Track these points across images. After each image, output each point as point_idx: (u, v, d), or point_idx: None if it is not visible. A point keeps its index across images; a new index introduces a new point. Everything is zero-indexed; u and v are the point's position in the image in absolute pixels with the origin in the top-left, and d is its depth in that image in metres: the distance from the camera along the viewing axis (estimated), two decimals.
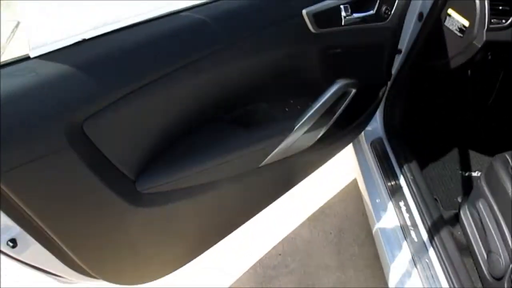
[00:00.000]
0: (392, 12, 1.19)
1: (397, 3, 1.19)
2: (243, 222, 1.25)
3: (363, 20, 1.14)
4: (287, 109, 1.15)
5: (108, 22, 0.76)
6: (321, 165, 1.42)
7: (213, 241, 1.21)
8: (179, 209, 0.99)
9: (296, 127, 1.08)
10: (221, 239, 1.22)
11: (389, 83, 1.55)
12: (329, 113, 1.17)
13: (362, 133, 1.71)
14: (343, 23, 1.10)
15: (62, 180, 0.75)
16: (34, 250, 0.82)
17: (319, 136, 1.20)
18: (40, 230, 0.79)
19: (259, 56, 1.02)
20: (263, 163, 1.10)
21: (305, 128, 1.10)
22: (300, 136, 1.11)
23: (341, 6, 1.08)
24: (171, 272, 1.16)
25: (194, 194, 0.99)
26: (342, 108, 1.18)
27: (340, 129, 1.43)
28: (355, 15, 1.11)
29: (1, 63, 0.70)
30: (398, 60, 1.48)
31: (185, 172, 0.94)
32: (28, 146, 0.68)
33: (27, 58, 0.72)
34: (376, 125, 1.71)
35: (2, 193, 0.69)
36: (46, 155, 0.70)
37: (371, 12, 1.15)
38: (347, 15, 1.09)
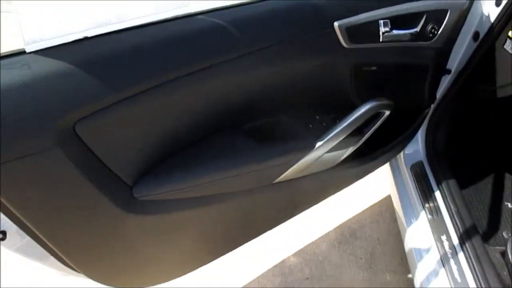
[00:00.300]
0: (440, 31, 1.08)
1: (446, 22, 1.08)
2: (251, 239, 1.19)
3: (405, 38, 1.05)
4: (311, 126, 1.07)
5: (112, 22, 0.72)
6: (348, 186, 1.33)
7: (216, 255, 1.15)
8: (179, 220, 0.94)
9: (317, 146, 1.00)
10: (225, 253, 1.16)
11: (433, 105, 1.45)
12: (357, 134, 1.08)
13: (401, 155, 1.61)
14: (381, 40, 1.01)
15: (50, 180, 0.71)
16: (25, 244, 0.79)
17: (344, 156, 1.12)
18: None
19: (281, 66, 0.95)
20: (278, 180, 1.02)
21: (327, 148, 1.02)
22: (321, 155, 1.03)
23: (380, 21, 0.99)
24: (168, 281, 1.11)
25: (197, 206, 0.93)
26: (373, 129, 1.09)
27: (372, 151, 1.34)
28: (396, 31, 1.02)
29: None
30: (446, 80, 1.36)
31: (188, 182, 0.88)
32: (15, 143, 0.65)
33: (22, 53, 0.68)
34: (417, 148, 1.60)
35: None
36: (34, 154, 0.66)
37: (415, 30, 1.05)
38: (386, 32, 1.00)
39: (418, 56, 1.11)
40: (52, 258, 0.86)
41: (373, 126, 1.10)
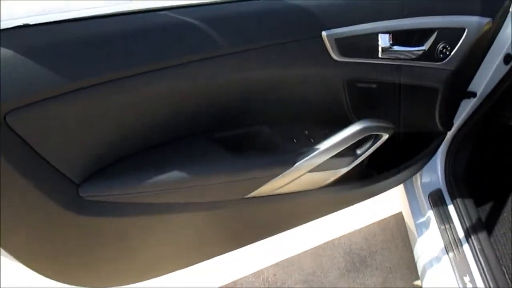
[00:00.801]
0: (453, 52, 0.98)
1: (462, 43, 0.97)
2: (212, 256, 1.11)
3: (409, 56, 0.96)
4: (295, 140, 0.98)
5: (57, 11, 0.66)
6: (345, 207, 1.24)
7: (178, 265, 1.07)
8: (132, 226, 0.87)
9: (298, 163, 0.91)
10: (188, 266, 1.08)
11: (454, 128, 1.35)
12: (350, 155, 1.00)
13: (418, 182, 1.52)
14: (379, 55, 0.92)
15: None
16: None
17: (334, 177, 1.03)
18: None
19: (262, 72, 0.87)
20: (250, 195, 0.94)
21: (309, 167, 0.93)
22: (302, 174, 0.94)
23: (380, 35, 0.90)
24: (127, 284, 1.03)
25: (153, 213, 0.86)
26: (368, 152, 1.00)
27: (377, 173, 1.25)
28: (397, 48, 0.93)
29: None
30: (469, 104, 1.27)
31: (144, 187, 0.81)
32: None
33: None
34: (435, 176, 1.50)
35: None
36: None
37: (422, 48, 0.96)
38: (386, 47, 0.91)
39: (426, 77, 1.01)
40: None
41: (369, 148, 1.01)
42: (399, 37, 0.94)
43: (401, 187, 1.61)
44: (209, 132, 0.92)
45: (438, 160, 1.48)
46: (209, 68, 0.80)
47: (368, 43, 0.91)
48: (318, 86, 0.97)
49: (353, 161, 1.05)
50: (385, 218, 1.85)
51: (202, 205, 0.92)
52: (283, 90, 0.94)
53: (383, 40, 0.91)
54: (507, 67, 1.14)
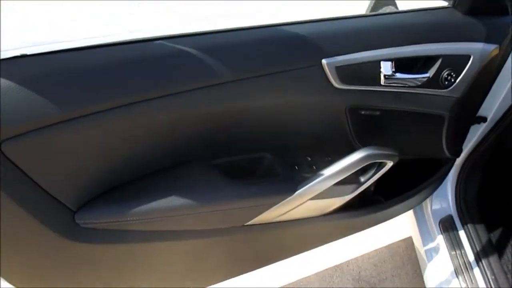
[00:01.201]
0: (459, 79, 0.96)
1: (468, 69, 0.96)
2: (216, 281, 1.09)
3: (413, 83, 0.94)
4: (296, 167, 0.96)
5: (52, 41, 0.67)
6: (349, 234, 1.21)
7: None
8: (126, 253, 0.86)
9: (299, 190, 0.90)
10: None
11: (464, 154, 1.33)
12: (354, 182, 0.99)
13: (429, 209, 1.48)
14: (382, 83, 0.90)
15: None
16: None
17: (338, 205, 1.02)
18: None
19: (262, 100, 0.86)
20: (250, 222, 0.93)
21: (310, 195, 0.92)
22: (303, 201, 0.93)
23: (382, 63, 0.89)
24: None
25: (151, 240, 0.85)
26: (372, 179, 0.99)
27: (380, 201, 1.23)
28: (400, 75, 0.91)
29: None
30: (479, 129, 1.24)
31: (140, 214, 0.80)
32: None
33: None
34: (446, 202, 1.47)
35: None
36: None
37: (426, 75, 0.94)
38: (388, 75, 0.90)
39: (431, 104, 0.99)
40: None
41: (373, 176, 0.99)
42: (401, 64, 0.92)
43: (410, 212, 1.57)
44: (207, 159, 0.91)
45: (449, 186, 1.45)
46: (209, 96, 0.80)
47: (369, 71, 0.89)
48: (320, 113, 0.95)
49: (357, 188, 1.03)
50: (394, 243, 1.80)
51: (199, 233, 0.90)
52: (285, 117, 0.93)
53: (385, 68, 0.89)
54: None
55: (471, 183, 1.45)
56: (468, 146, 1.33)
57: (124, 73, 0.72)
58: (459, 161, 1.39)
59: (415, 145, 1.13)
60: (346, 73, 0.87)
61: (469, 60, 0.95)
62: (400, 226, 1.83)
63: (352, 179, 1.02)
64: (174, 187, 0.84)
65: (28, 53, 0.66)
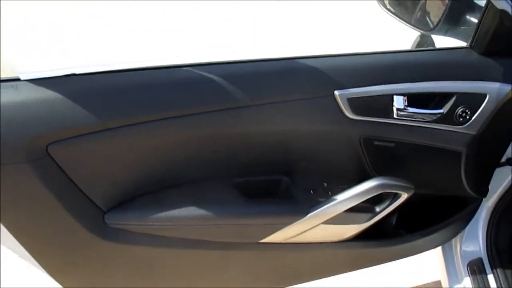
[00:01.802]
0: (475, 117, 0.99)
1: (484, 108, 0.98)
2: None
3: (426, 118, 0.98)
4: (312, 192, 1.02)
5: (100, 63, 0.81)
6: (369, 265, 1.23)
7: None
8: (150, 255, 0.95)
9: (310, 214, 0.95)
10: None
11: (496, 196, 1.32)
12: (367, 211, 1.02)
13: (458, 250, 1.46)
14: (395, 116, 0.95)
15: (23, 192, 0.79)
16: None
17: (352, 233, 1.06)
18: None
19: (279, 126, 0.94)
20: (264, 240, 0.99)
21: (324, 218, 0.97)
22: (316, 224, 0.98)
23: (395, 97, 0.94)
24: None
25: (170, 246, 0.94)
26: (387, 210, 1.02)
27: (401, 234, 1.23)
28: (412, 109, 0.95)
29: None
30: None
31: (163, 220, 0.90)
32: None
33: (17, 79, 0.77)
34: (476, 244, 1.44)
35: None
36: (6, 164, 0.74)
37: (440, 111, 0.98)
38: (401, 108, 0.94)
39: (446, 140, 1.01)
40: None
41: (388, 207, 1.02)
42: (416, 99, 0.97)
43: (440, 255, 1.54)
44: (228, 177, 1.00)
45: (480, 228, 1.42)
46: (229, 119, 0.89)
47: (382, 104, 0.94)
48: (335, 142, 1.01)
49: (371, 218, 1.06)
50: (423, 285, 1.76)
51: (215, 244, 0.99)
52: (301, 144, 1.00)
53: (398, 102, 0.94)
54: None
55: (504, 227, 1.41)
56: (500, 188, 1.32)
57: (158, 92, 0.84)
58: (491, 203, 1.37)
59: (434, 181, 1.15)
60: (358, 104, 0.93)
61: (485, 98, 0.97)
62: (429, 269, 1.79)
63: (367, 208, 1.06)
64: (196, 199, 0.94)
65: (77, 72, 0.80)
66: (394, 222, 1.31)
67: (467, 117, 0.98)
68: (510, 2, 0.86)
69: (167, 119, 0.84)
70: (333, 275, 1.24)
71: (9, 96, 0.75)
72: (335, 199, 0.97)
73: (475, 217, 1.42)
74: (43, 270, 0.93)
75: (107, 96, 0.81)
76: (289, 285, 1.23)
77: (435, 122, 0.99)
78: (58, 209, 0.82)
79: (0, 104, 0.74)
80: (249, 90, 0.87)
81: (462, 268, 1.41)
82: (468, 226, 1.42)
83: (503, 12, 0.88)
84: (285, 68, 0.91)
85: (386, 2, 1.12)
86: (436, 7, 1.04)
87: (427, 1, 1.07)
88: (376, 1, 1.15)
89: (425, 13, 1.08)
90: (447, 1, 1.02)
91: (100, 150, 0.84)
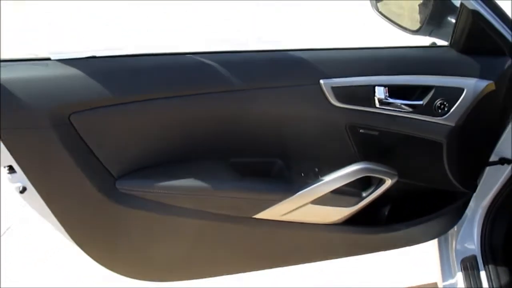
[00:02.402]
0: (453, 109, 1.07)
1: (462, 101, 1.06)
2: (227, 273, 1.25)
3: (406, 109, 1.07)
4: (303, 174, 1.11)
5: (117, 48, 0.96)
6: (362, 253, 1.31)
7: (188, 275, 1.24)
8: (157, 221, 1.07)
9: (299, 192, 1.06)
10: (197, 278, 1.23)
11: (491, 195, 1.38)
12: (354, 195, 1.11)
13: (454, 247, 1.51)
14: (376, 105, 1.04)
15: (47, 154, 0.93)
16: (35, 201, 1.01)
17: (341, 216, 1.15)
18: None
19: (270, 108, 1.05)
20: (257, 216, 1.09)
21: (312, 197, 1.07)
22: (304, 203, 1.08)
23: (376, 88, 1.03)
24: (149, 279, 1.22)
25: (175, 214, 1.06)
26: (373, 195, 1.11)
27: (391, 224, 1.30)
28: (392, 100, 1.05)
29: (28, 58, 0.94)
30: (505, 171, 1.30)
31: (169, 189, 1.03)
32: (19, 116, 0.88)
33: (48, 59, 0.93)
34: (472, 243, 1.49)
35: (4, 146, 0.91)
36: (29, 128, 0.89)
37: (420, 102, 1.07)
38: (382, 99, 1.04)
39: (427, 130, 1.09)
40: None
41: (373, 192, 1.11)
42: (396, 91, 1.06)
43: (436, 251, 1.59)
44: (225, 157, 1.12)
45: (475, 227, 1.47)
46: (226, 100, 1.02)
47: (364, 94, 1.04)
48: (323, 128, 1.11)
49: (358, 202, 1.15)
50: (419, 286, 1.79)
51: (212, 216, 1.10)
52: (292, 128, 1.11)
53: (379, 92, 1.04)
54: None
55: (498, 225, 1.45)
56: (494, 188, 1.37)
57: (164, 74, 0.98)
58: (486, 202, 1.42)
59: (418, 171, 1.22)
60: (342, 93, 1.03)
61: (462, 92, 1.05)
62: (426, 270, 1.83)
63: (353, 193, 1.15)
64: (196, 172, 1.07)
65: (97, 55, 0.95)
66: (386, 213, 1.39)
67: (446, 109, 1.07)
68: (480, 3, 0.96)
69: (172, 97, 0.97)
70: (326, 259, 1.32)
71: (41, 71, 0.91)
72: (321, 180, 1.07)
73: (470, 216, 1.47)
74: (62, 227, 1.07)
75: (121, 75, 0.95)
76: (282, 266, 1.32)
77: (415, 113, 1.07)
78: (76, 172, 0.96)
79: (33, 77, 0.90)
80: (243, 75, 1.00)
81: (456, 264, 1.46)
82: (464, 224, 1.47)
83: (474, 12, 0.97)
84: (275, 58, 1.03)
85: (379, 6, 1.23)
86: (421, 10, 1.14)
87: (413, 6, 1.17)
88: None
89: (412, 16, 1.18)
90: (431, 6, 1.12)
91: (114, 123, 0.97)
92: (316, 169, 1.16)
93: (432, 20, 1.13)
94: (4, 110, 0.87)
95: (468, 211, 1.46)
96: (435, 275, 1.78)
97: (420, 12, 1.15)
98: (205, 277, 1.25)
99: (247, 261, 1.27)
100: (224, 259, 1.24)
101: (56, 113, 0.90)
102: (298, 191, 1.08)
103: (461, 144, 1.14)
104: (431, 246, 1.61)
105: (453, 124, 1.08)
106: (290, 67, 1.02)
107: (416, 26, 1.16)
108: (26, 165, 0.93)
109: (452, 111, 1.07)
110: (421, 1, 1.14)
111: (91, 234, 1.10)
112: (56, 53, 0.90)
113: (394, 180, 1.13)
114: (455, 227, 1.50)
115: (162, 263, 1.19)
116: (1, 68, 0.88)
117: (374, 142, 1.14)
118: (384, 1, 1.23)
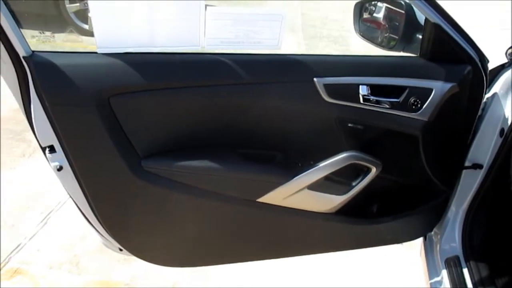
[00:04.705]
0: (425, 106, 1.27)
1: (432, 99, 1.27)
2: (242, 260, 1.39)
3: (386, 104, 1.27)
4: (300, 164, 1.28)
5: (151, 46, 1.13)
6: (358, 247, 1.43)
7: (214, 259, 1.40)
8: (177, 199, 1.21)
9: (296, 177, 1.23)
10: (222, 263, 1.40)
11: (469, 198, 1.54)
12: (346, 184, 1.27)
13: (438, 247, 1.65)
14: (361, 101, 1.24)
15: (89, 129, 1.09)
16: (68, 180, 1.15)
17: (335, 204, 1.30)
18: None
19: (269, 102, 1.23)
20: (261, 199, 1.24)
21: (307, 183, 1.24)
22: (302, 188, 1.23)
23: (360, 86, 1.23)
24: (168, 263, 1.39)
25: (193, 194, 1.21)
26: (362, 183, 1.27)
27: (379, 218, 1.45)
28: (374, 97, 1.25)
29: (78, 51, 1.11)
30: (479, 175, 1.48)
31: (187, 169, 1.19)
32: (69, 94, 1.05)
33: (95, 52, 1.09)
34: (454, 243, 1.63)
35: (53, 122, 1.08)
36: (76, 106, 1.06)
37: (396, 100, 1.27)
38: (365, 95, 1.24)
39: (404, 124, 1.28)
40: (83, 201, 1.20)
41: (362, 180, 1.28)
42: (378, 90, 1.26)
43: (422, 252, 1.72)
44: (233, 147, 1.30)
45: (456, 229, 1.61)
46: (234, 92, 1.20)
47: (351, 91, 1.24)
48: (316, 121, 1.30)
49: (349, 190, 1.32)
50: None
51: (220, 196, 1.25)
52: (290, 119, 1.29)
53: (362, 90, 1.24)
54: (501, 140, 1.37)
55: (477, 228, 1.60)
56: (470, 192, 1.55)
57: (187, 67, 1.16)
58: (464, 206, 1.59)
59: (399, 165, 1.40)
60: (332, 90, 1.23)
61: (431, 92, 1.27)
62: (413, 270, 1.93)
63: (344, 182, 1.32)
64: (210, 156, 1.24)
65: (132, 51, 1.14)
66: (373, 210, 1.54)
67: (419, 106, 1.27)
68: (440, 18, 1.20)
69: (193, 87, 1.16)
70: (323, 250, 1.46)
71: (88, 60, 1.10)
72: (314, 166, 1.25)
73: (452, 219, 1.63)
74: (89, 207, 1.19)
75: (153, 67, 1.13)
76: (284, 257, 1.44)
77: (393, 109, 1.28)
78: (109, 149, 1.12)
79: (82, 64, 1.09)
80: (248, 71, 1.19)
81: (440, 263, 1.59)
82: (447, 227, 1.62)
83: (436, 25, 1.22)
84: (275, 59, 1.24)
85: (360, 30, 1.48)
86: (394, 31, 1.39)
87: (387, 28, 1.42)
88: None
89: (387, 35, 1.42)
90: (401, 27, 1.37)
91: (144, 108, 1.15)
92: (311, 163, 1.33)
93: (403, 38, 1.37)
94: (57, 89, 1.05)
95: (450, 215, 1.61)
96: (422, 274, 1.90)
97: (393, 33, 1.40)
98: (213, 263, 1.36)
99: (253, 250, 1.40)
100: (232, 245, 1.37)
101: (99, 94, 1.08)
102: (296, 175, 1.24)
103: (434, 137, 1.34)
104: (417, 249, 1.74)
105: (426, 119, 1.28)
106: (289, 67, 1.23)
107: (391, 44, 1.40)
108: (68, 138, 1.09)
109: (424, 108, 1.27)
110: (394, 23, 1.38)
111: (116, 211, 1.24)
112: (101, 48, 1.09)
113: (379, 169, 1.30)
114: (439, 230, 1.65)
115: (177, 247, 1.32)
116: (56, 56, 1.06)
117: (360, 136, 1.33)
118: (362, 27, 1.48)
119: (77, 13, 4.26)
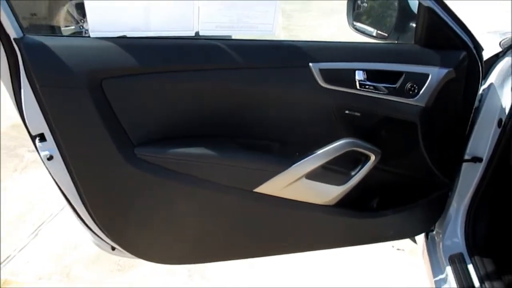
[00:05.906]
0: (422, 91, 1.26)
1: (428, 85, 1.25)
2: (238, 257, 1.36)
3: (383, 90, 1.25)
4: (297, 154, 1.24)
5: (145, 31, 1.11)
6: (351, 243, 1.40)
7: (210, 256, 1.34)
8: (171, 189, 1.17)
9: (293, 165, 1.19)
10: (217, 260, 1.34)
11: (470, 192, 1.51)
12: (343, 173, 1.25)
13: (441, 245, 1.60)
14: (357, 87, 1.22)
15: (76, 111, 1.06)
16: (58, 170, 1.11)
17: (333, 195, 1.27)
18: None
19: (266, 87, 1.20)
20: (258, 190, 1.20)
21: (305, 171, 1.21)
22: (299, 177, 1.20)
23: (356, 72, 1.22)
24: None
25: (187, 183, 1.16)
26: (361, 172, 1.24)
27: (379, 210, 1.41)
28: (370, 83, 1.23)
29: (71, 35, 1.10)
30: (479, 169, 1.46)
31: (181, 156, 1.15)
32: (61, 76, 1.02)
33: (88, 36, 1.07)
34: (457, 240, 1.59)
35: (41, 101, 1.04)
36: (68, 88, 1.04)
37: (393, 85, 1.25)
38: (361, 81, 1.22)
39: (401, 109, 1.26)
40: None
41: (360, 169, 1.25)
42: (374, 76, 1.25)
43: (425, 250, 1.67)
44: (230, 136, 1.27)
45: (459, 225, 1.57)
46: (230, 76, 1.17)
47: (347, 77, 1.23)
48: (311, 107, 1.27)
49: (348, 180, 1.29)
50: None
51: (216, 186, 1.21)
52: (285, 105, 1.26)
53: (358, 75, 1.23)
54: (499, 130, 1.35)
55: (480, 222, 1.56)
56: (471, 187, 1.52)
57: (183, 51, 1.14)
58: (466, 201, 1.55)
59: (399, 155, 1.38)
60: (328, 75, 1.21)
61: (428, 77, 1.26)
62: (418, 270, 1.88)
63: (343, 172, 1.29)
64: (205, 144, 1.20)
65: (127, 35, 1.12)
66: (373, 204, 1.50)
67: (416, 91, 1.26)
68: (433, 2, 1.21)
69: (188, 71, 1.14)
70: (323, 246, 1.41)
71: (81, 42, 1.09)
72: (313, 153, 1.22)
73: (454, 215, 1.59)
74: (79, 197, 1.15)
75: (146, 51, 1.11)
76: (283, 253, 1.38)
77: (390, 95, 1.26)
78: (100, 134, 1.09)
79: (74, 46, 1.08)
80: (243, 56, 1.17)
81: (444, 260, 1.54)
82: (449, 223, 1.58)
83: (430, 9, 1.22)
84: (270, 44, 1.23)
85: (354, 24, 1.49)
86: (387, 21, 1.40)
87: (380, 19, 1.43)
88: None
89: (380, 27, 1.43)
90: (394, 17, 1.38)
91: (137, 92, 1.12)
92: (309, 150, 1.30)
93: (398, 28, 1.38)
94: (48, 71, 1.03)
95: (451, 211, 1.58)
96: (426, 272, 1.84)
97: (386, 23, 1.40)
98: (212, 260, 1.31)
99: (252, 245, 1.34)
100: (230, 241, 1.32)
101: (91, 76, 1.06)
102: (294, 163, 1.21)
103: (433, 125, 1.32)
104: (420, 247, 1.69)
105: (423, 105, 1.27)
106: (284, 52, 1.22)
107: (386, 34, 1.41)
108: (59, 123, 1.06)
109: (421, 93, 1.26)
110: (388, 14, 1.39)
111: (108, 201, 1.19)
112: (94, 32, 1.08)
113: (378, 157, 1.28)
114: (441, 227, 1.61)
115: (173, 241, 1.27)
116: (48, 39, 1.05)
117: (358, 124, 1.30)
118: (356, 20, 1.49)
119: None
